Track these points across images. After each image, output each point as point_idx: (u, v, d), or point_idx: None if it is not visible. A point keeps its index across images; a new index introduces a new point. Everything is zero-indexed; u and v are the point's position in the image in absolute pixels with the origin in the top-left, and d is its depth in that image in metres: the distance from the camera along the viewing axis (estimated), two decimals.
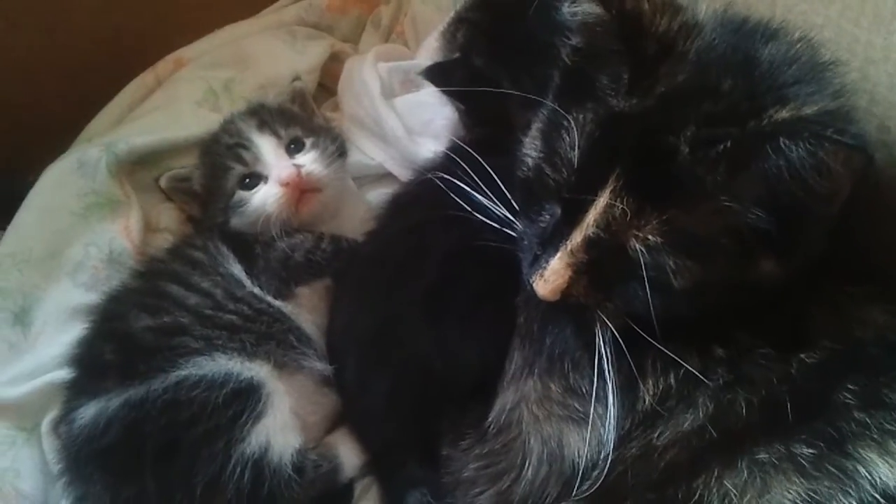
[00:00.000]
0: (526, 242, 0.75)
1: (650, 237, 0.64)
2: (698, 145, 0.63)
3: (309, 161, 1.03)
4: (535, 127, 0.77)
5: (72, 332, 0.98)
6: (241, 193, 1.01)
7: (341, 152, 1.10)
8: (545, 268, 0.70)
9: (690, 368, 0.69)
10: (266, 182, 1.01)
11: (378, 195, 1.22)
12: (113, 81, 1.30)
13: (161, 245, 1.11)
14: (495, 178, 0.82)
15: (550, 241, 0.71)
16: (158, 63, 1.33)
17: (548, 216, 0.73)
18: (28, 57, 1.26)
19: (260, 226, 1.00)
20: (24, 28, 1.24)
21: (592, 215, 0.66)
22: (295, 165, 1.01)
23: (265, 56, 1.33)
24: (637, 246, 0.64)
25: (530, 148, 0.76)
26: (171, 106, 1.23)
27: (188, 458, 0.82)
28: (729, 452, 0.67)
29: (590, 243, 0.67)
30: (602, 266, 0.68)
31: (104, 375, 0.87)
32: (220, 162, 1.03)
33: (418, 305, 0.89)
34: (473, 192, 0.82)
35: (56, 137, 1.24)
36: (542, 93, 0.87)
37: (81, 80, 1.29)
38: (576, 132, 0.69)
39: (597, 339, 0.71)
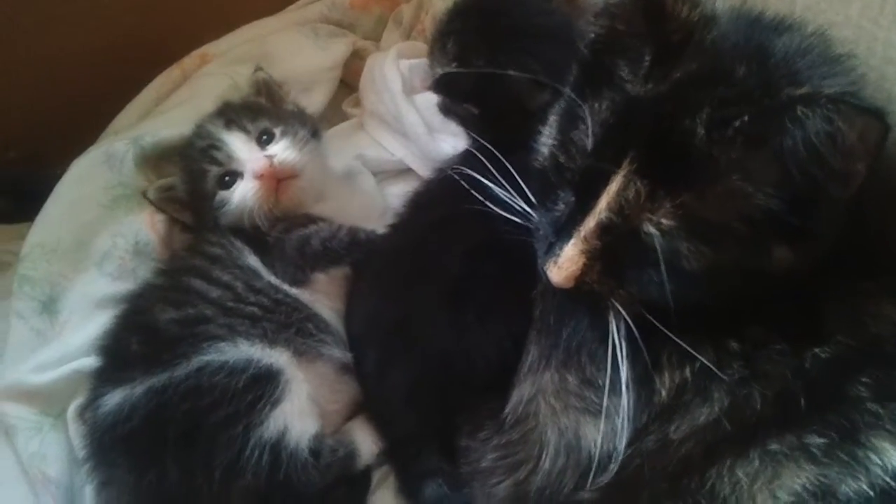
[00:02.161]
0: (541, 232, 0.76)
1: (663, 221, 0.64)
2: (714, 126, 0.63)
3: (280, 150, 1.04)
4: (552, 118, 0.78)
5: (98, 321, 1.00)
6: (221, 194, 1.03)
7: (314, 133, 1.11)
8: (559, 255, 0.70)
9: (706, 362, 0.69)
10: (243, 178, 1.03)
11: (398, 190, 1.24)
12: (139, 76, 1.33)
13: (184, 237, 1.13)
14: (513, 172, 0.82)
15: (564, 229, 0.71)
16: (184, 58, 1.35)
17: (562, 204, 0.73)
18: (57, 52, 1.28)
19: (246, 220, 1.02)
20: (54, 24, 1.26)
21: (605, 200, 0.66)
22: (266, 157, 1.02)
23: (288, 52, 1.35)
24: (650, 230, 0.64)
25: (546, 137, 0.76)
26: (196, 101, 1.24)
27: (208, 443, 0.83)
28: (742, 444, 0.67)
29: (603, 229, 0.67)
30: (615, 252, 0.68)
31: (130, 365, 0.89)
32: (197, 166, 1.05)
33: (440, 298, 0.90)
34: (492, 186, 0.83)
35: (83, 131, 1.27)
36: (549, 70, 0.93)
37: (108, 74, 1.31)
38: (590, 119, 0.69)
39: (611, 328, 0.71)
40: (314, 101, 1.33)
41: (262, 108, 1.13)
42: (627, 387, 0.71)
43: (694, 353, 0.70)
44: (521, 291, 0.88)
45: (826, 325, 0.70)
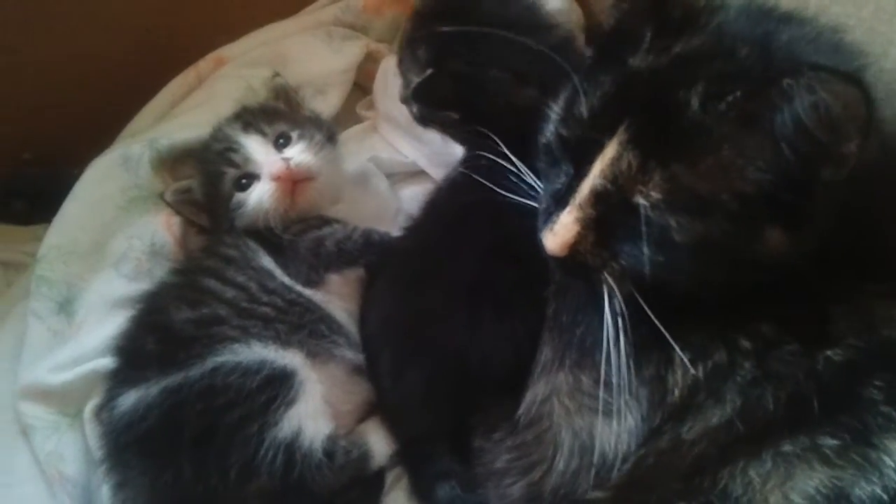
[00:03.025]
0: (543, 205, 0.77)
1: (653, 192, 0.64)
2: (708, 99, 0.63)
3: (297, 152, 1.05)
4: (562, 97, 0.78)
5: (114, 322, 1.00)
6: (238, 195, 1.04)
7: (330, 137, 1.12)
8: (555, 222, 0.71)
9: (682, 358, 0.70)
10: (259, 180, 1.03)
11: (411, 192, 1.25)
12: (156, 79, 1.34)
13: (200, 238, 1.14)
14: (515, 160, 0.84)
15: (562, 199, 0.72)
16: (200, 61, 1.36)
17: (564, 176, 0.74)
18: (73, 56, 1.30)
19: (262, 222, 1.02)
20: (71, 28, 1.29)
21: (599, 166, 0.67)
22: (283, 159, 1.03)
23: (302, 55, 1.36)
24: (640, 200, 0.65)
25: (553, 115, 0.77)
26: (212, 103, 1.25)
27: (223, 443, 0.84)
28: (755, 445, 0.67)
29: (597, 196, 0.68)
30: (608, 222, 0.69)
31: (146, 365, 0.89)
32: (214, 168, 1.06)
33: (456, 299, 0.90)
34: (505, 172, 0.84)
35: (99, 133, 1.28)
36: (527, 60, 0.95)
37: (124, 77, 1.34)
38: (591, 93, 0.70)
39: (604, 305, 0.71)
40: (328, 104, 1.33)
41: (279, 112, 1.14)
42: (636, 377, 0.71)
43: (705, 351, 0.71)
44: (536, 291, 0.88)
45: (836, 327, 0.69)
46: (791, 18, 0.72)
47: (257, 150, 1.04)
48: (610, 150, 0.67)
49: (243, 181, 1.04)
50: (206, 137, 1.11)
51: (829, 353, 0.68)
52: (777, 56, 0.66)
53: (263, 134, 1.06)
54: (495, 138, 0.87)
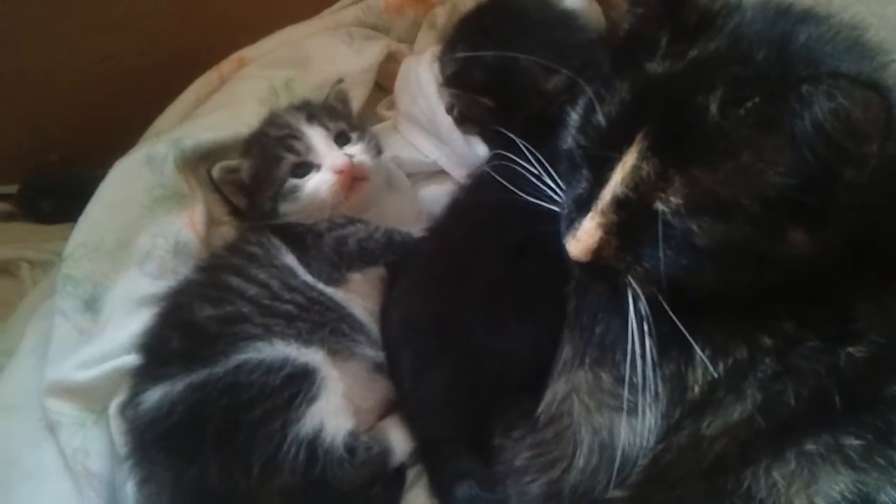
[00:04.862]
0: (565, 210, 0.77)
1: (673, 198, 0.64)
2: (727, 104, 0.63)
3: (358, 151, 1.08)
4: (581, 103, 0.78)
5: (139, 320, 1.01)
6: (293, 181, 1.05)
7: (378, 150, 1.15)
8: (577, 228, 0.71)
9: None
10: (318, 170, 1.06)
11: (432, 191, 1.26)
12: (179, 80, 1.35)
13: (224, 237, 1.15)
14: (541, 159, 0.84)
15: (584, 204, 0.72)
16: (222, 62, 1.37)
17: (585, 182, 0.74)
18: (98, 57, 1.33)
19: (312, 210, 1.05)
20: (96, 30, 1.31)
21: (620, 174, 0.67)
22: (347, 154, 1.06)
23: (324, 56, 1.36)
24: (660, 206, 0.65)
25: (572, 122, 0.78)
26: (234, 104, 1.27)
27: (247, 439, 0.85)
28: (777, 443, 0.66)
29: (618, 203, 0.68)
30: (631, 227, 0.69)
31: (170, 362, 0.90)
32: (272, 152, 1.07)
33: (478, 299, 0.91)
34: (527, 175, 0.84)
35: (123, 134, 1.30)
36: (559, 56, 0.99)
37: (148, 78, 1.36)
38: (609, 100, 0.70)
39: (629, 308, 0.71)
40: (349, 100, 1.33)
41: (340, 112, 1.17)
42: (658, 376, 0.71)
43: (726, 348, 0.70)
44: (556, 291, 0.88)
45: (858, 324, 0.69)
46: (809, 17, 0.71)
47: (320, 141, 1.07)
48: (630, 159, 0.67)
49: (299, 169, 1.06)
50: (261, 123, 1.14)
51: (850, 349, 0.67)
52: (795, 58, 0.66)
53: (326, 128, 1.09)
54: (520, 142, 0.88)
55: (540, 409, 0.85)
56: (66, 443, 0.97)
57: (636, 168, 0.66)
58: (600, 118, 0.71)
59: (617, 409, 0.77)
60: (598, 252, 0.71)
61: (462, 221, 1.02)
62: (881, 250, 0.70)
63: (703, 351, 0.70)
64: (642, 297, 0.70)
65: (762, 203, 0.64)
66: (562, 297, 0.88)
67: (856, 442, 0.63)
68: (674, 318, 0.69)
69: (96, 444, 0.98)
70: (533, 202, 0.83)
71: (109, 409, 0.99)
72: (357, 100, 1.34)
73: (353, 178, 1.06)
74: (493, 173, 0.90)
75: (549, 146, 0.85)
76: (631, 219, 0.69)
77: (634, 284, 0.71)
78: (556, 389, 0.84)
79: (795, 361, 0.69)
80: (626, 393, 0.76)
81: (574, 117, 0.78)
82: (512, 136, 0.91)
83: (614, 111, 0.70)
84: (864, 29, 0.73)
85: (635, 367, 0.72)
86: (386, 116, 1.40)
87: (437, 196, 1.22)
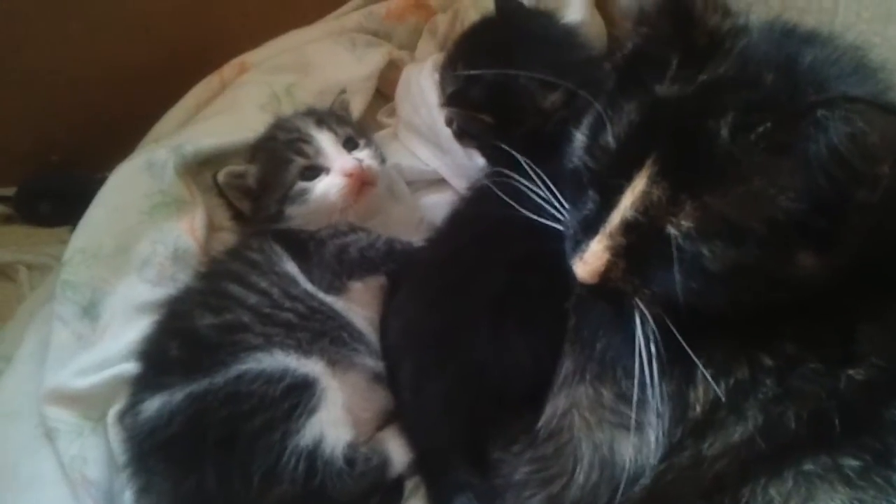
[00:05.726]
0: (571, 231, 0.77)
1: (684, 222, 0.64)
2: (737, 129, 0.63)
3: (366, 156, 1.10)
4: (586, 122, 0.78)
5: (138, 326, 1.02)
6: (301, 184, 1.06)
7: (383, 158, 1.16)
8: (585, 251, 0.71)
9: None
10: (328, 174, 1.06)
11: (432, 199, 1.26)
12: (179, 84, 1.36)
13: (224, 243, 1.15)
14: (543, 177, 0.84)
15: (591, 226, 0.72)
16: (224, 67, 1.37)
17: (591, 203, 0.74)
18: (99, 60, 1.33)
19: (319, 214, 1.05)
20: (97, 33, 1.31)
21: (629, 198, 0.67)
22: (356, 158, 1.07)
23: (326, 62, 1.37)
24: (671, 231, 0.65)
25: (578, 142, 0.77)
26: (236, 109, 1.27)
27: (246, 449, 0.85)
28: (776, 464, 0.67)
29: (627, 226, 0.68)
30: (640, 250, 0.69)
31: (169, 370, 0.90)
32: (280, 156, 1.07)
33: (480, 311, 0.90)
34: (527, 190, 0.84)
35: (124, 137, 1.31)
36: (558, 71, 0.99)
37: (149, 82, 1.35)
38: (617, 122, 0.70)
39: (636, 330, 0.71)
40: (351, 111, 1.33)
41: (346, 119, 1.19)
42: (661, 395, 0.71)
43: (727, 368, 0.70)
44: (558, 304, 0.88)
45: (861, 346, 0.69)
46: (813, 38, 0.72)
47: (330, 145, 1.08)
48: (640, 183, 0.67)
49: (308, 172, 1.06)
50: (268, 128, 1.15)
51: (851, 372, 0.68)
52: (802, 81, 0.66)
53: (335, 133, 1.10)
54: (521, 158, 0.87)
55: (540, 424, 0.84)
56: (64, 450, 0.97)
57: (646, 192, 0.66)
58: (609, 140, 0.71)
59: (618, 426, 0.77)
60: (605, 274, 0.71)
61: (463, 232, 1.02)
62: (884, 271, 0.70)
63: (705, 370, 0.70)
64: (650, 319, 0.70)
65: (773, 226, 0.64)
66: (563, 310, 0.88)
67: (854, 462, 0.64)
68: (679, 338, 0.69)
69: (94, 451, 0.97)
70: (534, 220, 0.82)
71: (108, 416, 0.99)
72: (358, 107, 1.35)
73: (362, 183, 1.07)
74: (494, 188, 0.89)
75: (549, 162, 0.85)
76: (639, 242, 0.69)
77: (642, 306, 0.71)
78: (557, 404, 0.84)
79: (796, 383, 0.69)
80: (627, 410, 0.77)
81: (580, 137, 0.78)
82: (513, 152, 0.91)
83: (623, 133, 0.70)
84: (867, 49, 0.73)
85: (644, 384, 0.71)
86: (386, 124, 1.41)
87: (437, 205, 1.22)
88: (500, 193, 0.88)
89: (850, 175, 0.62)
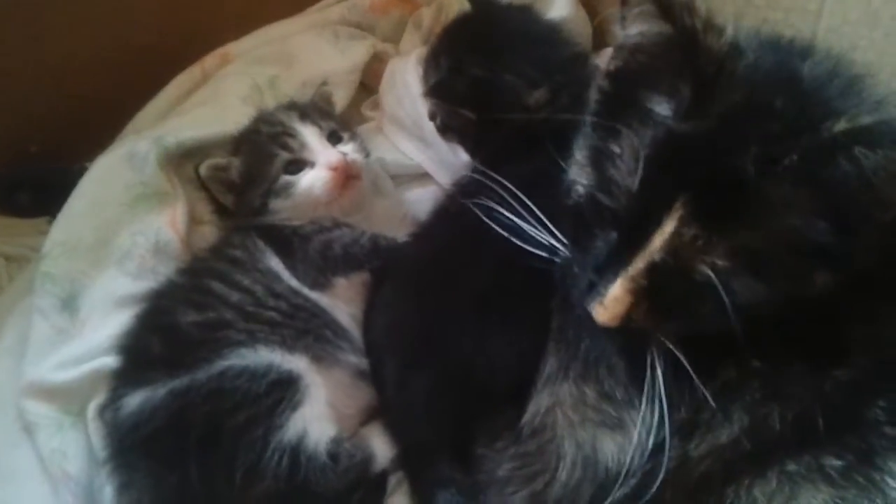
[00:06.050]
0: (576, 269, 0.75)
1: (718, 261, 0.63)
2: (763, 163, 0.62)
3: (351, 150, 1.09)
4: (581, 154, 0.77)
5: (118, 320, 1.01)
6: (286, 178, 1.05)
7: (367, 152, 1.15)
8: (604, 294, 0.69)
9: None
10: (312, 167, 1.06)
11: (416, 193, 1.26)
12: (160, 74, 1.34)
13: (205, 236, 1.14)
14: (530, 204, 0.82)
15: (608, 268, 0.69)
16: (206, 57, 1.36)
17: (601, 243, 0.72)
18: (79, 50, 1.31)
19: (304, 208, 1.05)
20: (77, 23, 1.29)
21: (658, 241, 0.65)
22: (341, 152, 1.07)
23: (309, 55, 1.36)
24: (705, 270, 0.64)
25: (580, 176, 0.75)
26: (218, 101, 1.25)
27: (230, 445, 0.85)
28: (761, 464, 0.68)
29: (653, 268, 0.66)
30: (664, 290, 0.67)
31: (151, 366, 0.90)
32: (264, 149, 1.07)
33: (465, 307, 0.90)
34: (513, 218, 0.83)
35: (104, 127, 1.29)
36: (543, 70, 1.00)
37: (129, 72, 1.34)
38: (630, 158, 0.68)
39: (651, 360, 0.71)
40: (334, 103, 1.32)
41: (329, 112, 1.18)
42: (652, 404, 0.72)
43: (714, 372, 0.71)
44: (542, 302, 0.88)
45: (847, 347, 0.70)
46: (804, 52, 0.71)
47: (314, 139, 1.08)
48: (669, 225, 0.65)
49: (292, 166, 1.06)
50: (251, 121, 1.14)
51: (836, 372, 0.68)
52: (809, 103, 0.65)
53: (319, 127, 1.09)
54: (507, 184, 0.85)
55: (523, 421, 0.85)
56: (44, 444, 0.96)
57: (676, 234, 0.64)
58: (628, 180, 0.68)
59: (601, 425, 0.78)
60: (626, 316, 0.69)
61: (448, 229, 1.02)
62: (877, 273, 0.70)
63: (695, 374, 0.70)
64: (665, 350, 0.70)
65: (800, 255, 0.64)
66: (547, 308, 0.88)
67: (837, 462, 0.65)
68: (684, 361, 0.69)
69: (74, 446, 0.96)
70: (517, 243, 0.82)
71: (88, 410, 0.98)
72: (341, 100, 1.34)
73: (347, 176, 1.06)
74: (476, 210, 0.88)
75: (531, 163, 0.85)
76: (664, 282, 0.67)
77: (663, 340, 0.70)
78: (540, 402, 0.84)
79: (782, 385, 0.70)
80: (610, 409, 0.77)
81: (581, 170, 0.76)
82: (502, 179, 0.87)
83: (643, 173, 0.67)
84: (851, 56, 0.73)
85: (634, 393, 0.72)
86: (370, 117, 1.40)
87: (421, 199, 1.22)
88: (483, 217, 0.86)
89: (875, 200, 0.62)
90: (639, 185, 0.67)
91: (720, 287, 0.63)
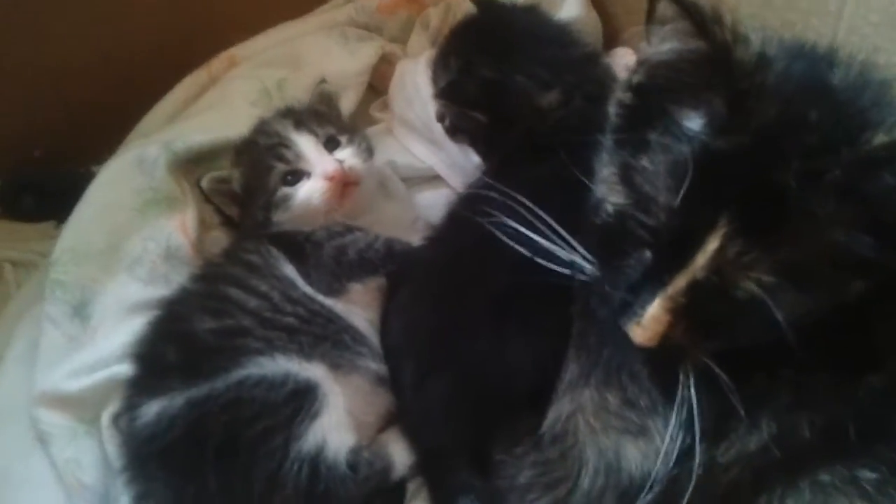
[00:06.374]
0: (607, 288, 0.73)
1: (764, 277, 0.63)
2: (805, 179, 0.62)
3: (348, 156, 1.07)
4: (609, 171, 0.75)
5: (130, 326, 0.99)
6: (284, 190, 1.03)
7: (370, 152, 1.13)
8: (641, 314, 0.68)
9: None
10: (309, 177, 1.04)
11: (428, 196, 1.25)
12: (166, 78, 1.34)
13: (216, 242, 1.14)
14: (548, 219, 0.81)
15: (643, 287, 0.68)
16: (212, 61, 1.35)
17: (633, 261, 0.71)
18: (85, 54, 1.30)
19: (305, 219, 1.03)
20: (83, 26, 1.28)
21: (702, 259, 0.64)
22: (337, 160, 1.04)
23: (317, 57, 1.35)
24: (752, 287, 0.63)
25: (610, 194, 0.74)
26: (226, 105, 1.25)
27: (248, 455, 0.84)
28: (791, 473, 0.67)
29: (694, 287, 0.65)
30: (704, 307, 0.66)
31: (167, 375, 0.89)
32: (261, 162, 1.05)
33: (483, 311, 0.89)
34: (530, 234, 0.81)
35: (110, 131, 1.29)
36: (554, 71, 0.99)
37: (136, 75, 1.33)
38: (666, 174, 0.67)
39: (685, 375, 0.70)
40: (343, 106, 1.31)
41: (327, 116, 1.15)
42: (689, 426, 0.71)
43: (744, 379, 0.70)
44: (561, 307, 0.87)
45: (879, 352, 0.69)
46: (831, 59, 0.71)
47: (309, 149, 1.05)
48: (713, 242, 0.64)
49: (290, 177, 1.04)
50: (250, 131, 1.12)
51: (869, 378, 0.68)
52: (844, 114, 0.65)
53: (315, 134, 1.07)
54: (523, 199, 0.83)
55: (544, 427, 0.84)
56: (58, 454, 0.95)
57: (720, 251, 0.63)
58: (668, 196, 0.66)
59: (624, 432, 0.77)
60: (664, 335, 0.68)
61: (464, 232, 1.00)
62: None
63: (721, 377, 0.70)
64: (701, 366, 0.70)
65: (842, 268, 0.64)
66: (566, 312, 0.87)
67: (871, 475, 0.64)
68: (724, 377, 0.69)
69: (88, 455, 0.96)
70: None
71: (102, 419, 0.97)
72: (350, 103, 1.33)
73: (344, 184, 1.04)
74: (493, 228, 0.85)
75: (542, 165, 0.83)
76: (704, 299, 0.66)
77: (698, 355, 0.70)
78: (561, 408, 0.83)
79: (812, 392, 0.69)
80: (633, 416, 0.77)
81: (612, 191, 0.74)
82: (518, 195, 0.85)
83: (685, 189, 0.65)
84: (875, 64, 0.72)
85: (649, 393, 0.72)
86: (379, 118, 1.39)
87: (433, 201, 1.21)
88: (500, 235, 0.84)
89: None
90: (680, 203, 0.65)
91: (770, 303, 0.63)
